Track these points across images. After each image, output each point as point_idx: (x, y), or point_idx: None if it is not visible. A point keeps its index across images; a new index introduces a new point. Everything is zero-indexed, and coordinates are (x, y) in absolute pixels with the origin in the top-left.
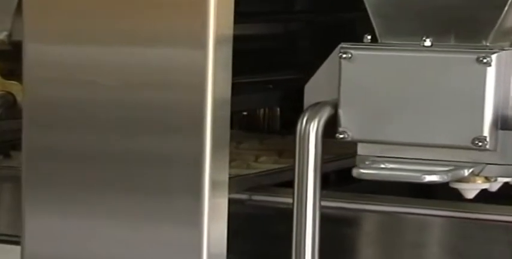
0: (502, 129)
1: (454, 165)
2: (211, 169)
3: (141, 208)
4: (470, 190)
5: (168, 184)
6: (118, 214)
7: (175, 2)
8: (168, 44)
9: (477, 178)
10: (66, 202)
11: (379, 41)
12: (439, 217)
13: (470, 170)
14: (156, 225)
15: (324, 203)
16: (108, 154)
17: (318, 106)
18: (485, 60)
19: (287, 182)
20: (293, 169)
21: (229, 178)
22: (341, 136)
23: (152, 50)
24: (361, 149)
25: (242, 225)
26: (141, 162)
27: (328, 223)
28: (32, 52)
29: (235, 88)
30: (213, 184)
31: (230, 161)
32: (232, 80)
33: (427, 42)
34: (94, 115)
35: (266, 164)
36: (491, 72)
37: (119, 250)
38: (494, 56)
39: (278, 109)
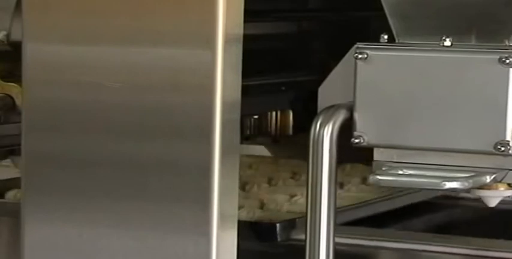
0: None
1: (476, 171)
2: (220, 176)
3: (146, 217)
4: (492, 198)
5: (175, 192)
6: (122, 224)
7: (182, 0)
8: (174, 44)
9: (500, 185)
10: (68, 211)
11: (397, 40)
12: (456, 255)
13: (493, 176)
14: (162, 235)
15: (338, 240)
16: (112, 160)
17: (332, 109)
18: (508, 61)
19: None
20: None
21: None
22: (356, 140)
23: (158, 50)
24: (378, 155)
25: None
26: (146, 168)
27: None
28: (32, 52)
29: (246, 90)
30: (222, 192)
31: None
32: (243, 81)
33: (447, 42)
34: (97, 119)
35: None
36: None
37: None
38: None
39: (291, 112)
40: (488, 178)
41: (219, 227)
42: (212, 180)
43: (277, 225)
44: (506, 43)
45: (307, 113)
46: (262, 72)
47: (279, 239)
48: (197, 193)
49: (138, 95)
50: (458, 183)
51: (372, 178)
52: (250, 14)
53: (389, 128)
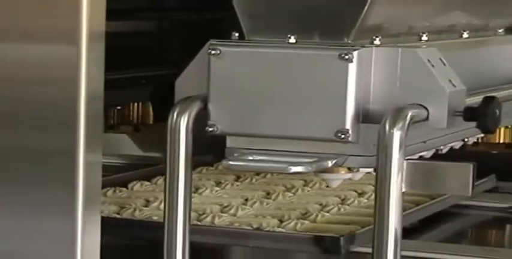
0: (363, 122)
1: (319, 157)
2: (85, 162)
3: (16, 199)
4: (334, 180)
5: (43, 177)
6: None
7: (49, 1)
8: (42, 41)
9: (340, 168)
10: None
11: (247, 38)
12: None
13: (334, 161)
14: (31, 216)
15: None
16: None
17: (188, 100)
18: (347, 57)
19: None
20: None
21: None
22: (210, 129)
23: (26, 46)
24: (231, 142)
25: None
26: (17, 155)
27: None
28: None
29: (109, 83)
30: (87, 176)
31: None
32: (106, 75)
33: (292, 39)
34: None
35: None
36: (352, 68)
37: None
38: (355, 53)
39: (150, 103)
40: (330, 163)
41: (84, 208)
42: (78, 165)
43: None
44: (346, 40)
45: (166, 104)
46: (124, 66)
47: None
48: (64, 177)
49: (7, 88)
50: (303, 167)
51: (224, 163)
52: (112, 13)
53: (240, 117)
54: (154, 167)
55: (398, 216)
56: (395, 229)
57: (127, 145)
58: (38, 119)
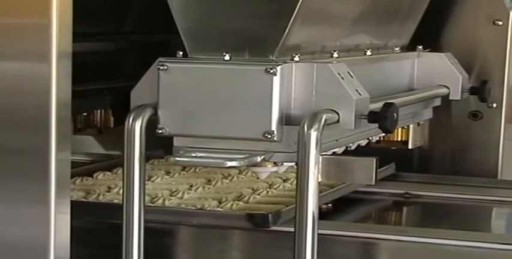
0: (286, 124)
1: (250, 153)
2: (56, 159)
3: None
4: (262, 173)
5: (21, 172)
6: None
7: (25, 25)
8: (20, 59)
9: (268, 163)
10: None
11: (189, 56)
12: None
13: (262, 157)
14: (11, 203)
15: None
16: None
17: (141, 107)
18: (272, 71)
19: None
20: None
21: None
22: (160, 131)
23: (6, 63)
24: (177, 142)
25: None
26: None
27: None
28: None
29: (77, 94)
30: (58, 171)
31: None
32: (74, 87)
33: (227, 57)
34: None
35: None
36: (276, 81)
37: None
38: (279, 68)
39: (110, 110)
40: (259, 158)
41: (56, 194)
42: (50, 161)
43: None
44: (271, 57)
45: (124, 111)
46: (89, 80)
47: None
48: (39, 171)
49: None
50: (237, 162)
51: (172, 159)
52: (78, 36)
53: (185, 121)
54: (115, 160)
55: (316, 202)
56: (313, 212)
57: (92, 145)
58: (17, 123)
